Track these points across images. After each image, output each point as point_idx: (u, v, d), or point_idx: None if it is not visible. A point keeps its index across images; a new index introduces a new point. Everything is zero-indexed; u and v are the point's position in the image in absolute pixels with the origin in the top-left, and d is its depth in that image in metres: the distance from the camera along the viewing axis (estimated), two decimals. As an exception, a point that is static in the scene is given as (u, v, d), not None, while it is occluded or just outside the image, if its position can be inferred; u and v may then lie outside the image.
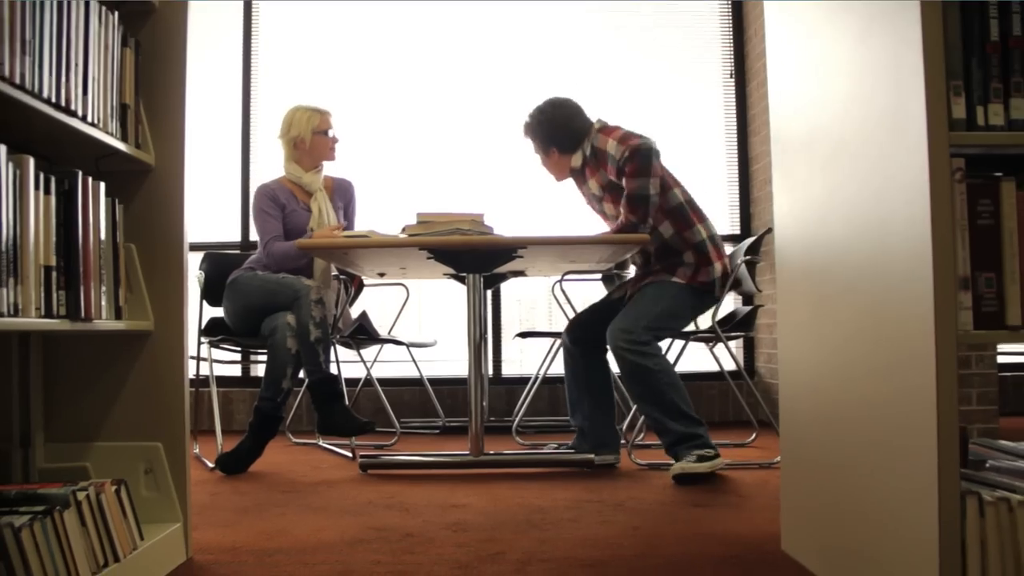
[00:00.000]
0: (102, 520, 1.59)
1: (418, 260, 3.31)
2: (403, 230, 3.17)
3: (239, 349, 3.77)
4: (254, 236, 4.82)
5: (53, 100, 1.52)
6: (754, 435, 3.88)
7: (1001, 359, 4.23)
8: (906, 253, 1.39)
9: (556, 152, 3.34)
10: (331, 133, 3.64)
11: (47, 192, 1.52)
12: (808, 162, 1.84)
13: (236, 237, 4.89)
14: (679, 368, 3.31)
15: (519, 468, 3.21)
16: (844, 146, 1.64)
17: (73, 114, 1.60)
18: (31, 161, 1.46)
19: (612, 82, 5.01)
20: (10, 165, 1.40)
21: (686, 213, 3.19)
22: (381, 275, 3.97)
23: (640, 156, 3.09)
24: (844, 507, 1.66)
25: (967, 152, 1.39)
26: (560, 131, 3.31)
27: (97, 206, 1.70)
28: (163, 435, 1.98)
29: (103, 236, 1.73)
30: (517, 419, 4.03)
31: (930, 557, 1.32)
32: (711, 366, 3.89)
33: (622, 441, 3.46)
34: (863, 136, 1.55)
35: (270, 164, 4.78)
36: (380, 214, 4.38)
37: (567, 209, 4.77)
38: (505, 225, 3.53)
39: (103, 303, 1.72)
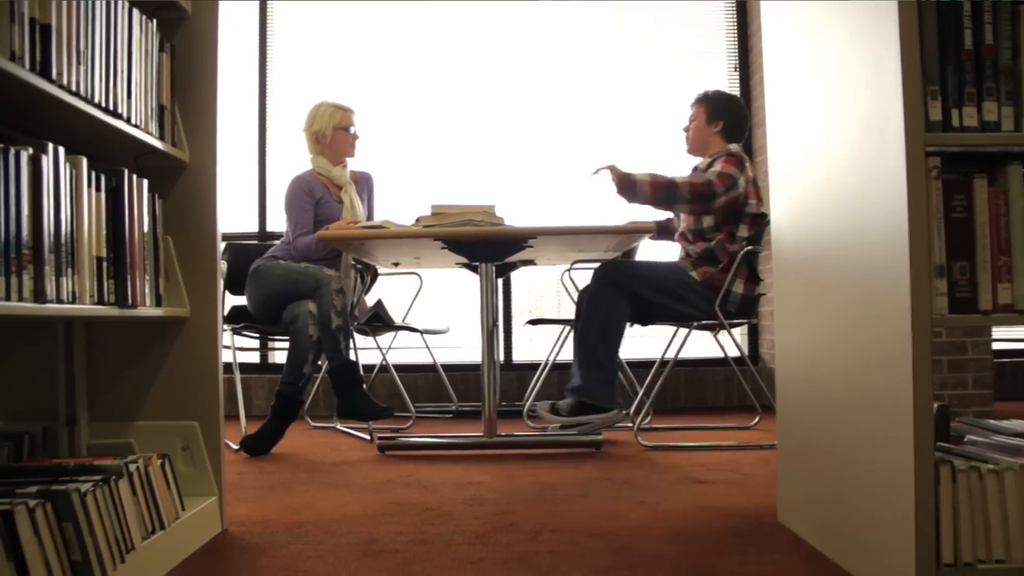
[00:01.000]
0: (150, 490, 1.73)
1: (432, 250, 3.44)
2: (416, 221, 3.30)
3: (258, 336, 3.92)
4: (272, 227, 4.98)
5: (103, 105, 1.66)
6: (757, 418, 4.01)
7: (999, 345, 4.35)
8: (886, 244, 1.51)
9: (720, 127, 3.58)
10: (352, 130, 3.79)
11: (98, 189, 1.66)
12: (800, 157, 1.96)
13: (254, 228, 5.02)
14: (685, 355, 3.52)
15: (531, 449, 3.35)
16: (832, 143, 1.76)
17: (119, 116, 1.74)
18: (84, 161, 1.60)
19: (620, 76, 5.11)
20: (67, 165, 1.53)
21: (744, 244, 3.44)
22: (396, 264, 4.11)
23: (738, 159, 3.45)
24: (834, 480, 1.79)
25: (944, 151, 1.52)
26: (734, 119, 3.60)
27: (141, 201, 1.84)
28: (199, 415, 2.12)
29: (145, 229, 1.87)
30: (528, 403, 4.16)
31: (908, 520, 1.45)
32: (718, 352, 4.02)
33: (629, 425, 3.59)
34: (849, 134, 1.67)
35: (286, 157, 4.92)
36: (394, 205, 4.51)
37: (575, 200, 4.91)
38: (516, 215, 3.66)
39: (146, 291, 1.86)
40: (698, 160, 3.66)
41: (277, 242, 3.84)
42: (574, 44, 5.17)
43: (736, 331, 4.45)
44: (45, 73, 1.44)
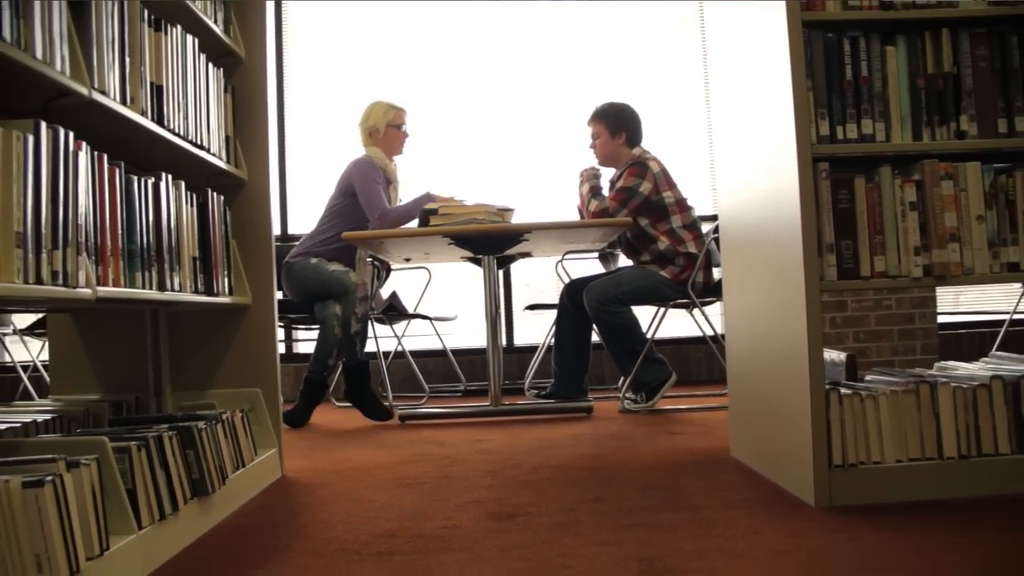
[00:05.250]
0: (235, 436, 2.23)
1: (440, 246, 3.94)
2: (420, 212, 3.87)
3: (283, 326, 4.43)
4: (292, 229, 5.49)
5: (195, 141, 2.16)
6: (732, 387, 4.51)
7: (944, 319, 4.85)
8: (791, 230, 2.02)
9: (623, 137, 4.04)
10: (403, 128, 4.23)
11: (191, 205, 2.17)
12: (736, 162, 2.46)
13: (276, 231, 5.52)
14: (666, 334, 4.08)
15: (531, 416, 3.85)
16: (755, 152, 2.27)
17: (204, 148, 2.24)
18: (183, 184, 2.10)
19: (601, 75, 5.60)
20: (172, 188, 2.04)
21: (684, 232, 3.91)
22: (407, 260, 4.62)
23: (640, 166, 3.88)
24: (764, 416, 2.29)
25: (832, 157, 2.02)
26: (632, 126, 4.07)
27: (217, 213, 2.34)
28: (261, 383, 2.62)
29: (221, 235, 2.37)
30: (528, 380, 4.67)
31: (808, 435, 1.95)
32: (697, 331, 4.52)
33: (622, 394, 4.10)
34: (765, 146, 2.18)
35: (305, 159, 5.45)
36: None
37: (571, 195, 5.40)
38: (517, 211, 4.14)
39: (223, 284, 2.37)
40: (612, 172, 4.13)
41: (305, 236, 4.24)
42: (558, 39, 5.67)
43: (714, 313, 4.96)
44: (161, 122, 1.95)
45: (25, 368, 4.81)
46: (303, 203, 5.52)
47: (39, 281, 1.42)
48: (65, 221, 1.49)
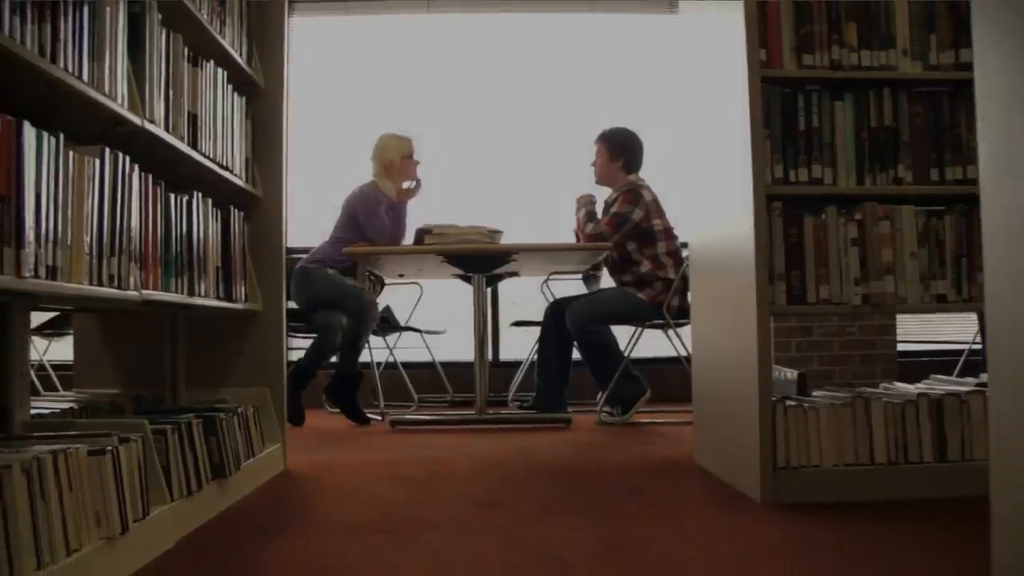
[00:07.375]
0: (246, 428, 2.48)
1: (433, 263, 4.20)
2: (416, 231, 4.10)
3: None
4: (292, 242, 5.73)
5: (221, 163, 2.42)
6: (703, 405, 4.78)
7: (904, 347, 5.13)
8: (747, 260, 2.29)
9: (622, 162, 4.31)
10: (415, 157, 4.51)
11: (215, 220, 2.42)
12: (702, 197, 2.74)
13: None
14: (644, 353, 4.40)
15: (515, 425, 4.11)
16: (718, 189, 2.54)
17: (228, 169, 2.50)
18: (209, 201, 2.36)
19: (594, 100, 5.86)
20: (202, 205, 2.29)
21: (667, 259, 4.18)
22: (401, 275, 4.88)
23: (634, 194, 4.16)
24: (722, 425, 2.56)
25: (784, 196, 2.29)
26: (631, 153, 4.33)
27: (237, 227, 2.60)
28: (268, 382, 2.86)
29: (240, 247, 2.63)
30: (512, 392, 4.93)
31: (756, 441, 2.21)
32: (672, 352, 4.79)
33: (599, 407, 4.37)
34: (727, 184, 2.45)
35: (303, 176, 5.70)
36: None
37: (560, 219, 5.67)
38: (505, 232, 4.40)
39: (240, 291, 2.62)
40: (607, 192, 4.40)
41: (320, 245, 4.46)
42: (572, 62, 5.96)
43: (685, 330, 5.23)
44: (195, 146, 2.21)
45: (32, 366, 5.02)
46: (301, 217, 5.78)
47: (100, 283, 1.67)
48: (121, 232, 1.75)
